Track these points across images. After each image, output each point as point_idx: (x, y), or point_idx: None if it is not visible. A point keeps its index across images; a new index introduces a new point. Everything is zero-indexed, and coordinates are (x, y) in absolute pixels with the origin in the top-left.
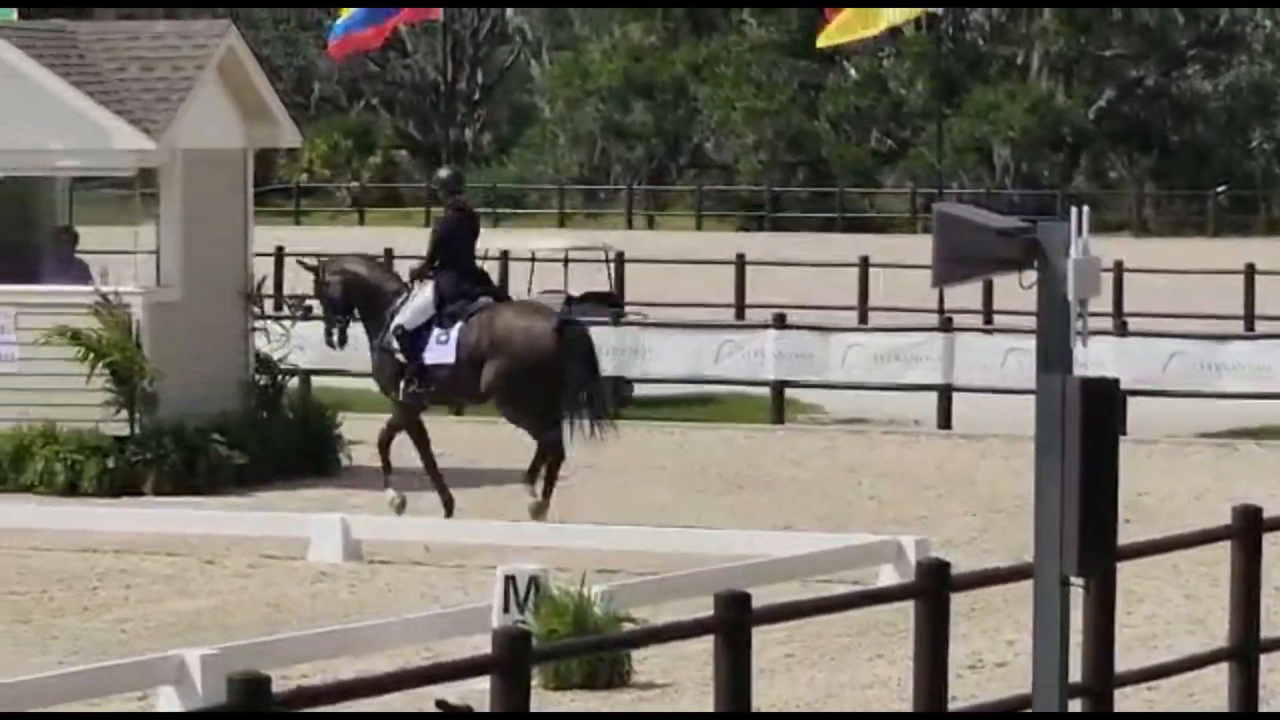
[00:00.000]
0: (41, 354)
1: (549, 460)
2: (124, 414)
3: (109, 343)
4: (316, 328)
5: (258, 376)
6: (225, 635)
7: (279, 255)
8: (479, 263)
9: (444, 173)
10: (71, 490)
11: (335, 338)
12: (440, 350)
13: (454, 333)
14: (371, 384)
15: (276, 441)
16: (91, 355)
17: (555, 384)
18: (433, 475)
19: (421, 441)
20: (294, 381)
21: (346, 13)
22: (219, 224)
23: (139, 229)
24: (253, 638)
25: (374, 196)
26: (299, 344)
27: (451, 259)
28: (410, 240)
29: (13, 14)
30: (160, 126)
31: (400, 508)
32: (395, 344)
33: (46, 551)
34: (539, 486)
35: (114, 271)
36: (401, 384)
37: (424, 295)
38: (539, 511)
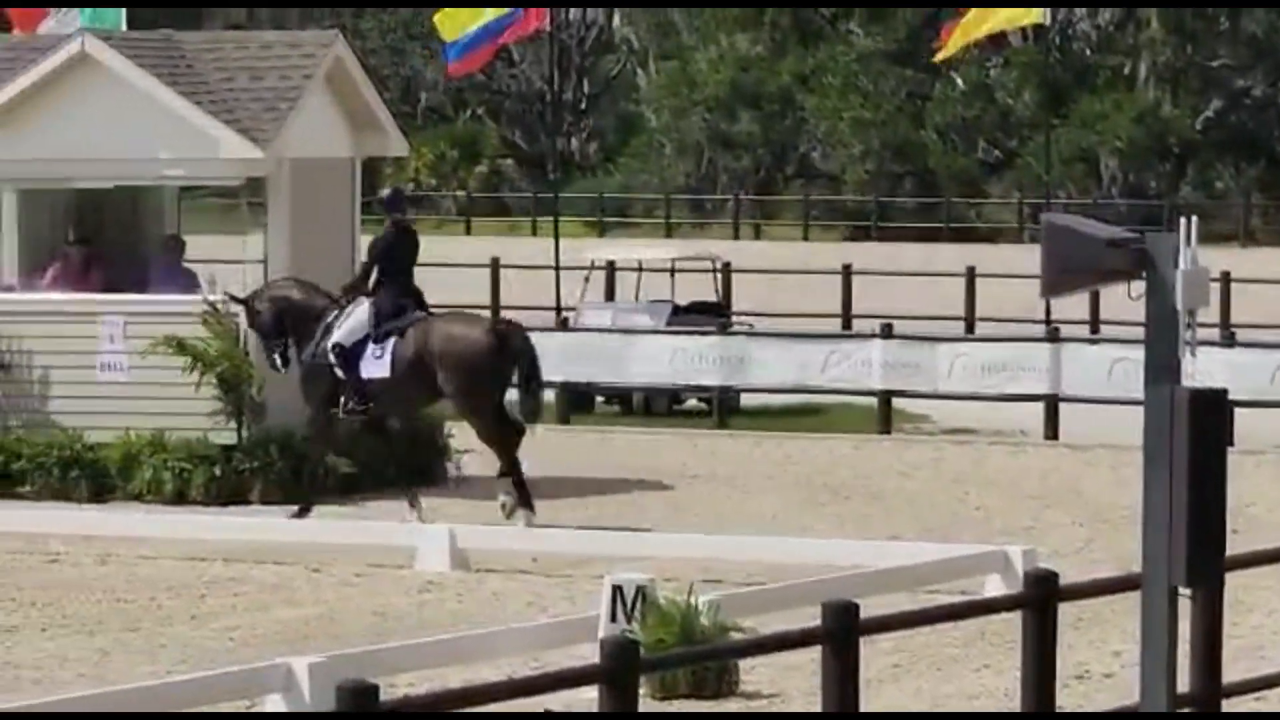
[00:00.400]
0: (150, 363)
1: (505, 456)
2: (231, 423)
3: (217, 352)
4: None
5: None
6: (332, 644)
7: None
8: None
9: (384, 191)
10: (179, 499)
11: (278, 361)
12: (376, 365)
13: (389, 348)
14: None
15: (383, 450)
16: (200, 364)
17: (500, 385)
18: (312, 479)
19: (324, 450)
20: None
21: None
22: (326, 233)
23: (246, 238)
24: (360, 646)
25: (480, 206)
26: None
27: (390, 275)
28: (516, 249)
29: (122, 24)
30: (268, 136)
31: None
32: (332, 359)
33: (155, 560)
34: (509, 486)
35: (221, 280)
36: (343, 399)
37: (361, 312)
38: (511, 511)
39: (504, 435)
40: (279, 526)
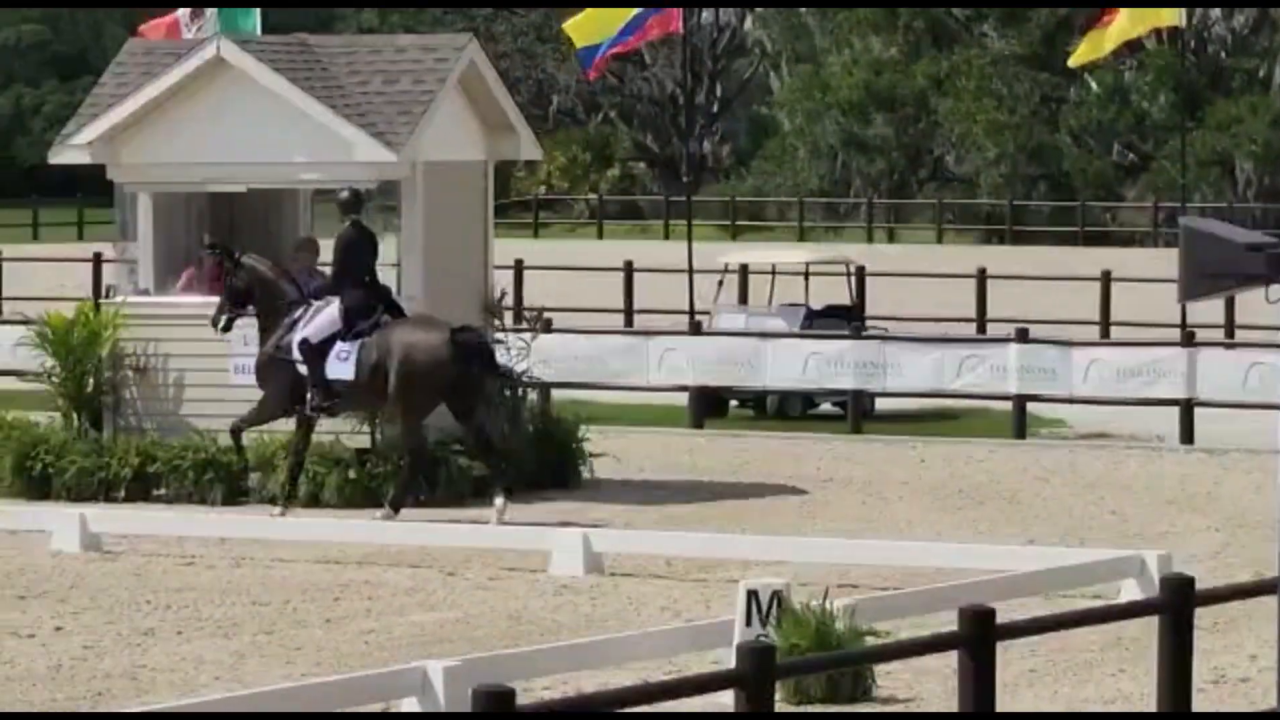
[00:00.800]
0: None
1: (485, 457)
2: (365, 426)
3: None
4: (557, 340)
5: (499, 388)
6: (467, 647)
7: (519, 268)
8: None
9: (343, 194)
10: (313, 502)
11: (221, 323)
12: (341, 367)
13: (355, 351)
14: (617, 396)
15: (517, 454)
16: None
17: (456, 389)
18: (291, 475)
19: (301, 446)
20: (533, 394)
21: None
22: (459, 236)
23: (380, 241)
24: (495, 650)
25: (612, 209)
26: (541, 357)
27: (354, 275)
28: (649, 252)
29: (257, 29)
30: (401, 139)
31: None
32: (297, 355)
33: (290, 563)
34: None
35: None
36: (308, 396)
37: (330, 311)
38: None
39: (482, 447)
40: (414, 530)
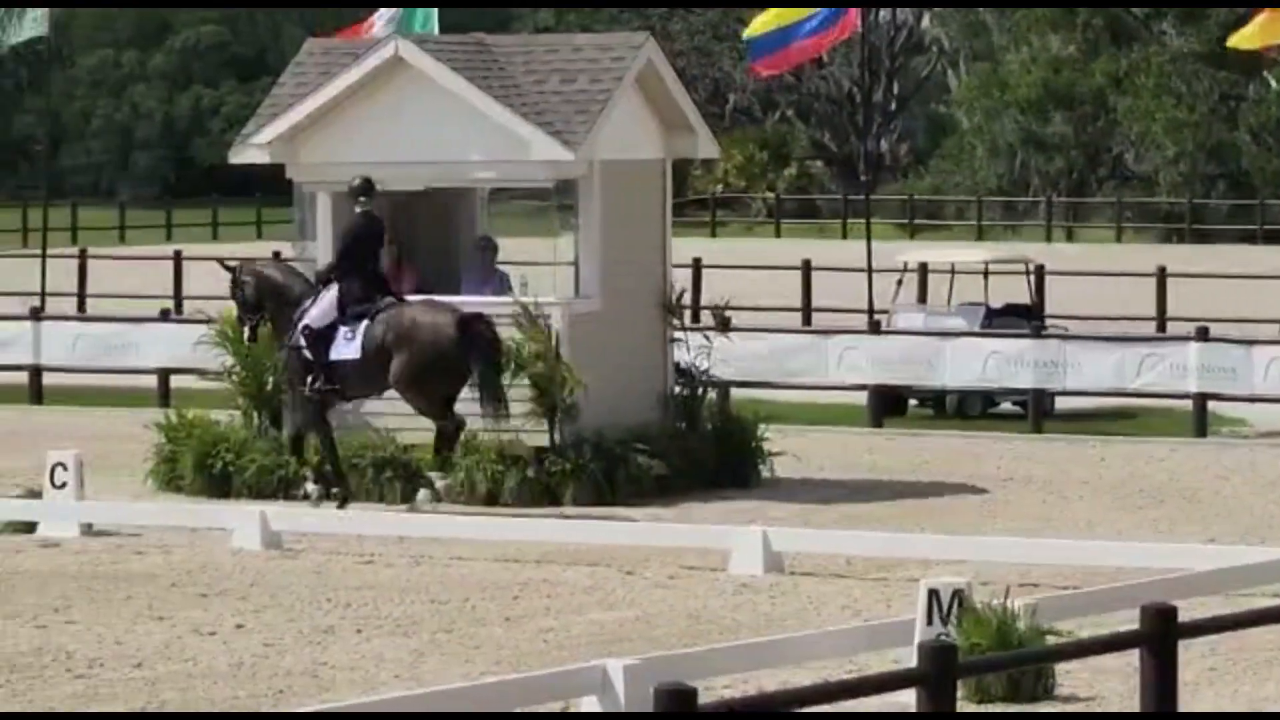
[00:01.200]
0: None
1: (449, 436)
2: (544, 424)
3: (530, 354)
4: (736, 339)
5: (678, 388)
6: (647, 646)
7: (696, 267)
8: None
9: (355, 181)
10: (491, 500)
11: (247, 335)
12: (346, 347)
13: (359, 331)
14: (795, 395)
15: (696, 453)
16: (513, 366)
17: (459, 373)
18: (335, 467)
19: (326, 434)
20: (712, 392)
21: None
22: (637, 235)
23: (557, 240)
24: (675, 649)
25: (789, 208)
26: (720, 356)
27: (359, 263)
28: (827, 251)
29: (434, 29)
30: (579, 138)
31: (317, 502)
32: (300, 340)
33: (469, 561)
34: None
35: (533, 282)
36: (309, 379)
37: (329, 297)
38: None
39: (446, 424)
40: (593, 529)
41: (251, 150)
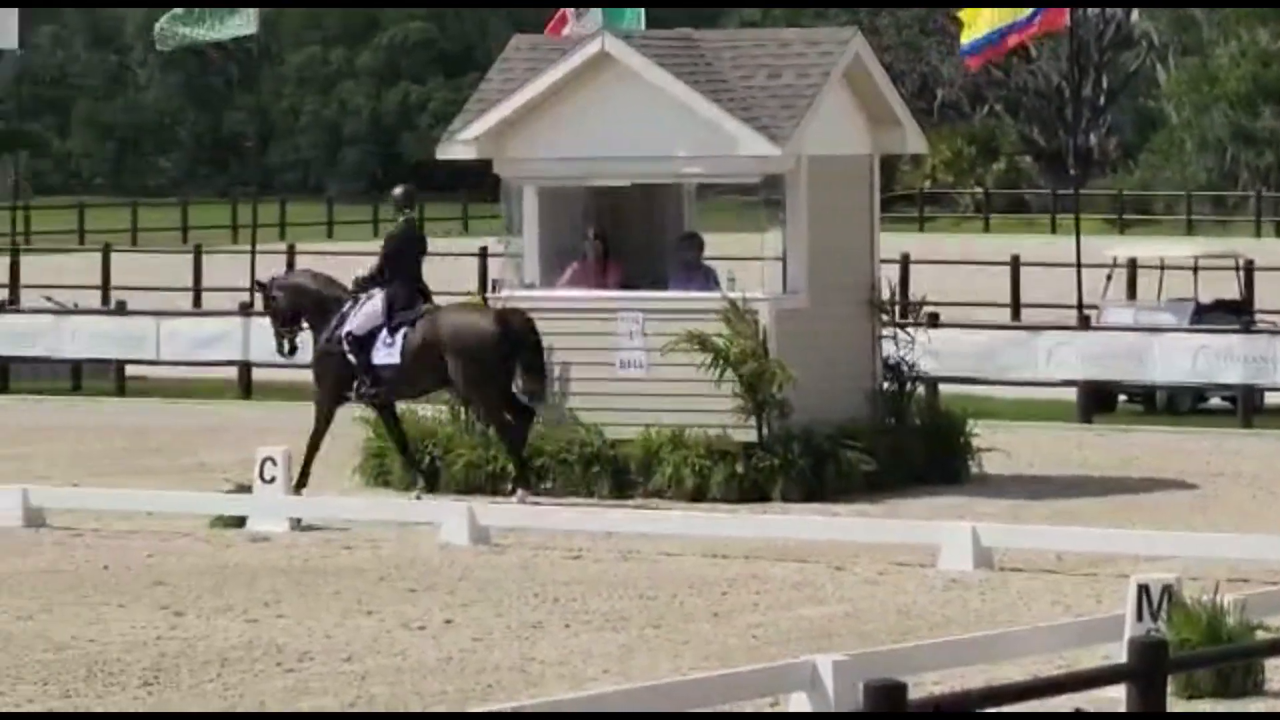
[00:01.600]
0: (669, 359)
1: (518, 443)
2: (752, 420)
3: (739, 350)
4: (945, 335)
5: (886, 384)
6: (856, 642)
7: (904, 263)
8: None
9: (397, 190)
10: (699, 495)
11: (285, 348)
12: (387, 352)
13: (399, 337)
14: (1004, 391)
15: (904, 449)
16: (720, 361)
17: (507, 367)
18: (308, 459)
19: (321, 430)
20: (920, 388)
21: (975, 30)
22: (845, 230)
23: (764, 235)
24: (884, 644)
25: (998, 203)
26: (928, 351)
27: (401, 271)
28: (1035, 246)
29: (641, 24)
30: (786, 133)
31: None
32: (345, 345)
33: (677, 557)
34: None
35: (740, 278)
36: (355, 383)
37: (374, 304)
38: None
39: (516, 419)
40: (802, 524)
41: (459, 146)
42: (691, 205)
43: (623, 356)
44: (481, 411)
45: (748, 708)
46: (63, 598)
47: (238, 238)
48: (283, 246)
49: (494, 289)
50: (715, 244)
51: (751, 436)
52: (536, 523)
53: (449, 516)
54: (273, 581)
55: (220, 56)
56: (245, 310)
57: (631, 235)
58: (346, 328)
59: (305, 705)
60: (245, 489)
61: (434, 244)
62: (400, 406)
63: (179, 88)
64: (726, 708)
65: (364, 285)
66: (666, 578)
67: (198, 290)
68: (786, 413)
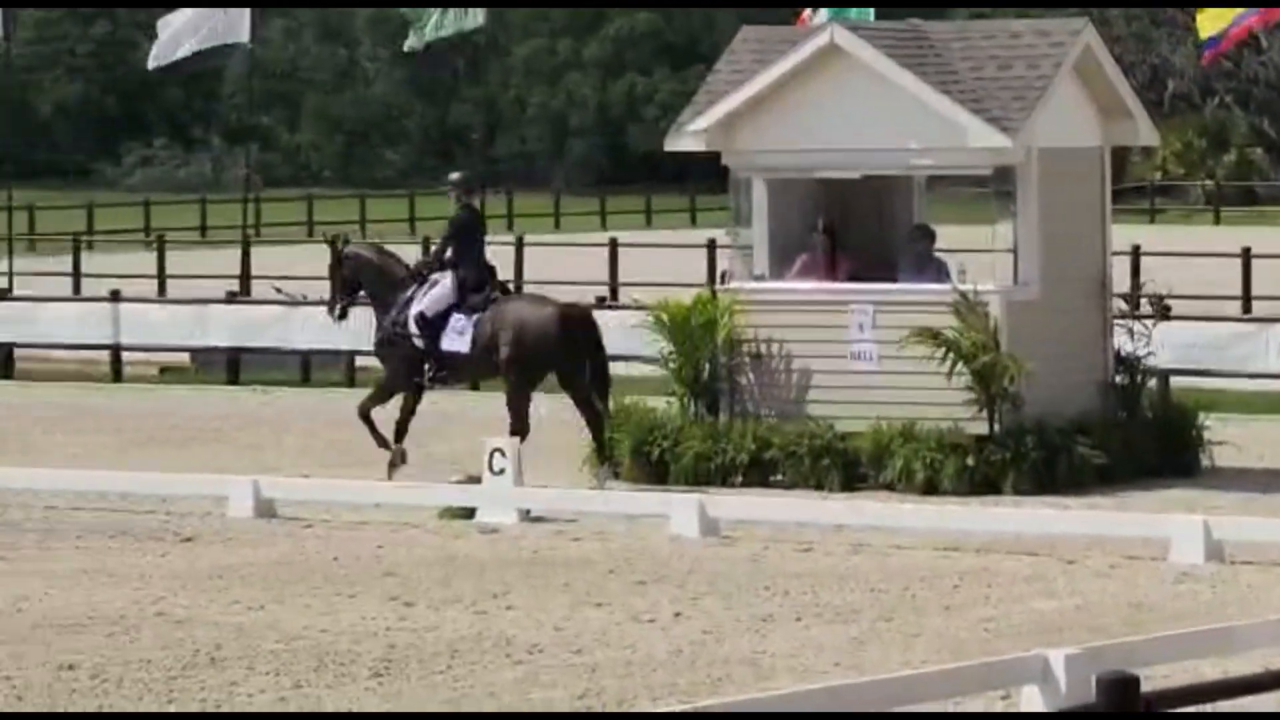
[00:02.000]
0: (899, 352)
1: (593, 428)
2: (983, 413)
3: (971, 343)
4: (1175, 327)
5: (1118, 376)
6: (1087, 635)
7: (1135, 254)
8: None
9: (454, 175)
10: (930, 489)
11: (337, 313)
12: (458, 340)
13: (471, 324)
14: (1236, 383)
15: (1136, 442)
16: (952, 355)
17: (555, 362)
18: (399, 435)
19: (410, 409)
20: (1152, 381)
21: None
22: (1076, 222)
23: (995, 227)
24: (1114, 638)
25: (1228, 195)
26: (1159, 344)
27: (464, 254)
28: (1266, 239)
29: (870, 14)
30: (1016, 125)
31: (394, 465)
32: (414, 329)
33: (909, 550)
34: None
35: (971, 270)
36: (425, 367)
37: (445, 285)
38: (601, 477)
39: (589, 418)
40: (1033, 518)
41: (687, 138)
42: (922, 197)
43: (853, 349)
44: (509, 395)
45: (979, 701)
46: (293, 588)
47: None
48: (510, 238)
49: (723, 281)
50: (945, 236)
51: (983, 429)
52: (766, 515)
53: (678, 508)
54: (502, 573)
55: (445, 50)
56: None
57: (861, 227)
58: (416, 309)
59: (535, 697)
60: (474, 480)
61: (661, 235)
62: (629, 399)
63: (406, 81)
64: (957, 701)
65: (426, 269)
66: (898, 571)
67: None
68: (1018, 406)
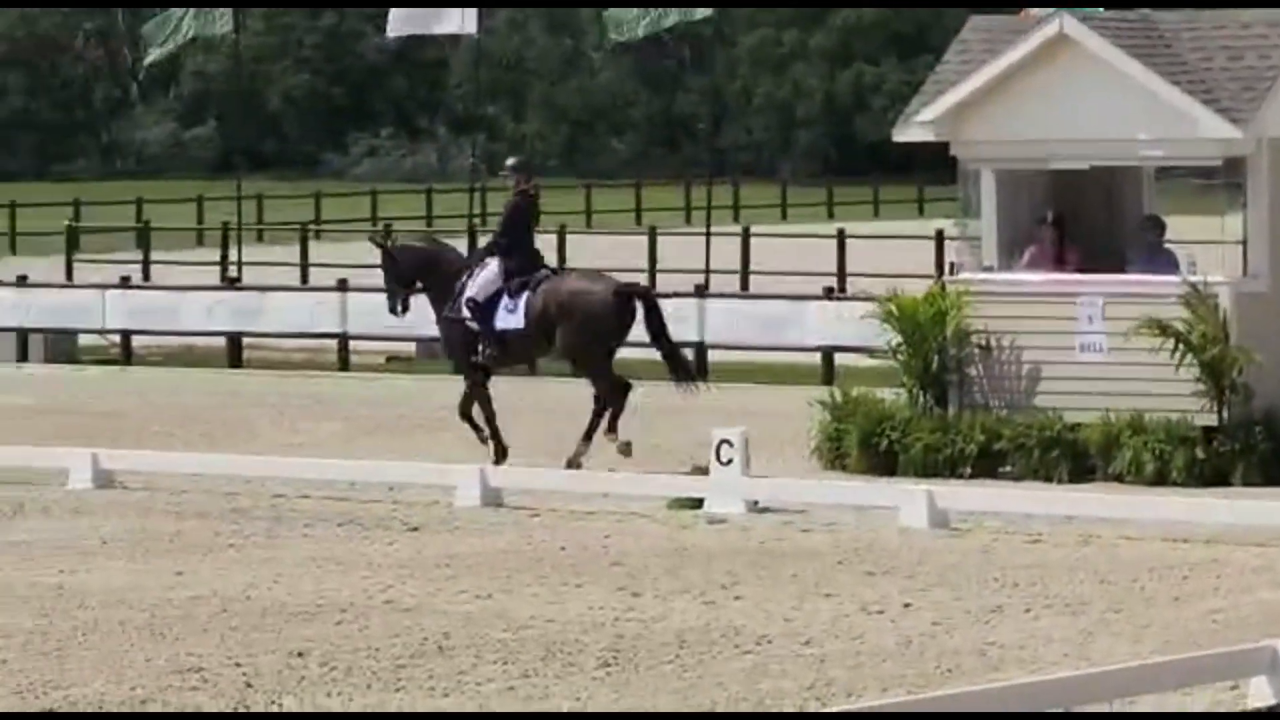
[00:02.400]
0: (1129, 344)
1: (610, 408)
2: (1213, 404)
3: (1201, 335)
4: None
5: None
6: None
7: None
8: None
9: (510, 161)
10: (1159, 480)
11: (399, 308)
12: (510, 318)
13: (521, 302)
14: None
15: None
16: (1180, 346)
17: (617, 336)
18: (492, 429)
19: (485, 400)
20: None
21: None
22: None
23: (1224, 218)
24: None
25: None
26: None
27: (516, 239)
28: None
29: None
30: (1247, 115)
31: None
32: (467, 313)
33: (1137, 541)
34: (609, 431)
35: (1201, 261)
36: (480, 347)
37: (491, 269)
38: (625, 450)
39: (614, 390)
40: (1261, 509)
41: (915, 128)
42: (1151, 187)
43: (1083, 340)
44: (591, 379)
45: (1208, 692)
46: (521, 577)
47: (690, 219)
48: (736, 229)
49: (952, 272)
50: (1175, 226)
51: (1212, 421)
52: (996, 507)
53: (907, 500)
54: (730, 563)
55: (671, 40)
56: (700, 292)
57: (1089, 218)
58: (468, 294)
59: (763, 687)
60: (702, 471)
61: (887, 227)
62: (857, 390)
63: (631, 71)
64: (1186, 691)
65: (486, 253)
66: (1126, 562)
67: (653, 271)
68: (1248, 397)
